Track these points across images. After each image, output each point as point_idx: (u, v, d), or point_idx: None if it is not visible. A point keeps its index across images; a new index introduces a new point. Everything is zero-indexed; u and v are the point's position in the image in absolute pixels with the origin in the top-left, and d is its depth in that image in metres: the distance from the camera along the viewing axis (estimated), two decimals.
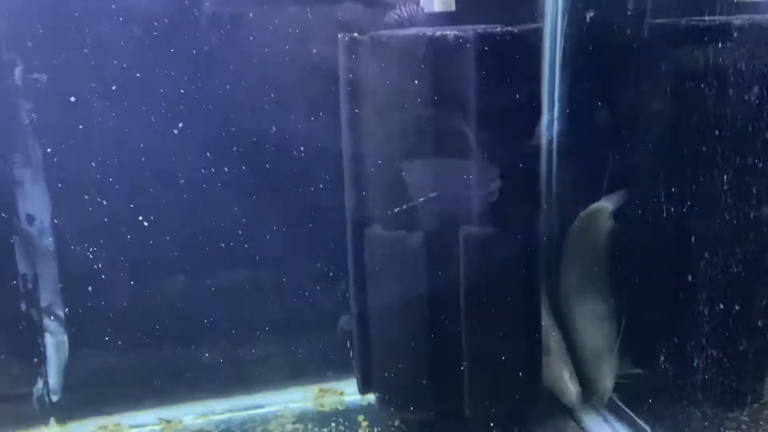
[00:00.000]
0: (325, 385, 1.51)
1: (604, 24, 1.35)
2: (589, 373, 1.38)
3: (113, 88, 1.29)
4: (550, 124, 1.40)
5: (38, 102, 1.29)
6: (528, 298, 1.28)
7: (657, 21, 1.26)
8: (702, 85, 1.13)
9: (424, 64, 1.13)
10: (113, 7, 1.27)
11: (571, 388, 1.36)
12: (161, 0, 1.30)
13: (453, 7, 1.21)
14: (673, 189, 1.15)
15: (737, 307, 1.06)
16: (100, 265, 1.37)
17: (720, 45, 1.12)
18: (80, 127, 1.30)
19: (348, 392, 1.49)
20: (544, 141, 1.37)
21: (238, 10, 1.34)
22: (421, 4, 1.21)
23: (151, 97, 1.30)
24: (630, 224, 1.34)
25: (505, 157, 1.17)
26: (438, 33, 1.12)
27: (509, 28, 1.14)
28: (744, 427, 1.13)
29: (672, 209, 1.17)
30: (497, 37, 1.12)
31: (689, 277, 1.13)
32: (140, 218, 1.35)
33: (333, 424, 1.40)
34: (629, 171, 1.33)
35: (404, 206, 1.18)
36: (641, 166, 1.26)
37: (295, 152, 1.39)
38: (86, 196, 1.33)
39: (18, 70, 1.28)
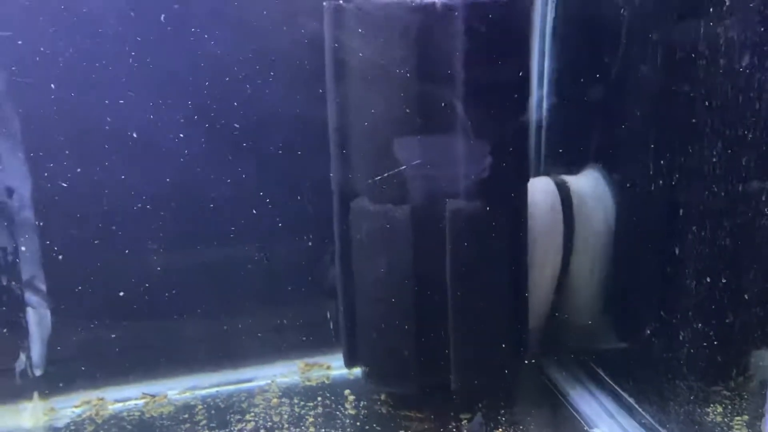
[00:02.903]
0: (311, 360, 1.50)
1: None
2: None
3: (93, 56, 1.26)
4: (539, 99, 1.38)
5: (15, 70, 1.26)
6: (514, 272, 1.28)
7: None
8: (692, 56, 1.11)
9: (411, 34, 1.11)
10: None
11: None
12: None
13: None
14: (662, 162, 1.14)
15: (723, 280, 1.06)
16: (82, 239, 1.35)
17: (710, 14, 1.11)
18: (60, 97, 1.27)
19: (334, 366, 1.49)
20: (533, 116, 1.35)
21: None
22: None
23: (131, 65, 1.27)
24: (619, 199, 1.33)
25: (494, 131, 1.16)
26: (426, 1, 1.10)
27: None
28: (727, 400, 1.14)
29: (661, 182, 1.16)
30: (487, 7, 1.10)
31: (675, 250, 1.12)
32: (122, 190, 1.33)
33: (319, 398, 1.39)
34: (619, 145, 1.32)
35: (388, 174, 1.17)
36: (631, 141, 1.25)
37: (279, 123, 1.37)
38: (66, 168, 1.30)
39: None
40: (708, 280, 1.07)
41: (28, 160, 1.30)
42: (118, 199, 1.34)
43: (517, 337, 1.31)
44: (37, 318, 1.38)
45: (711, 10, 1.10)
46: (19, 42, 1.25)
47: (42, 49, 1.26)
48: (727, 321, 1.08)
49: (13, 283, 1.35)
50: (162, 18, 1.29)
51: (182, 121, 1.33)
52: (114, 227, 1.35)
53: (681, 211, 1.10)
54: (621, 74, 1.27)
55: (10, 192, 1.32)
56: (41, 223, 1.34)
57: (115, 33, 1.27)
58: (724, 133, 1.00)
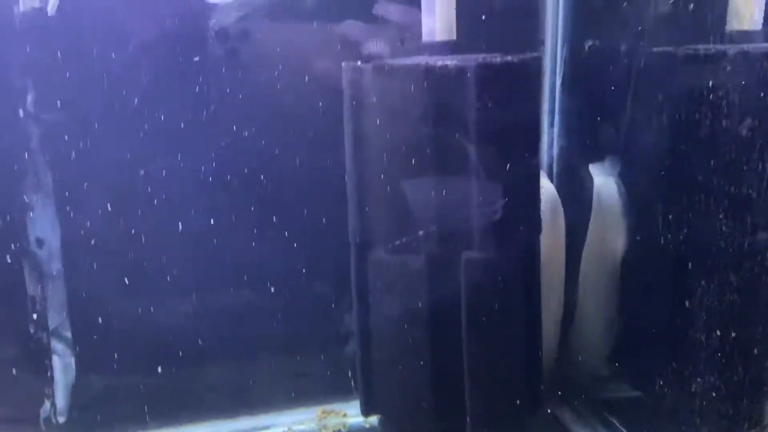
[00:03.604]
0: (329, 407, 1.52)
1: (602, 52, 1.38)
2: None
3: (122, 115, 1.32)
4: (549, 148, 1.42)
5: (49, 129, 1.33)
6: (530, 320, 1.30)
7: (654, 49, 1.28)
8: (695, 113, 1.15)
9: (426, 93, 1.15)
10: (123, 37, 1.30)
11: None
12: (166, 26, 1.33)
13: (454, 36, 1.24)
14: (670, 217, 1.17)
15: (733, 333, 1.08)
16: (106, 288, 1.39)
17: (713, 74, 1.15)
18: (90, 153, 1.33)
19: (351, 414, 1.50)
20: (544, 167, 1.39)
21: (243, 27, 1.37)
22: (423, 34, 1.23)
23: (158, 123, 1.33)
24: (628, 245, 1.36)
25: (507, 184, 1.19)
26: (440, 63, 1.15)
27: (509, 59, 1.17)
28: None
29: (668, 234, 1.19)
30: (497, 68, 1.15)
31: (687, 302, 1.15)
32: (146, 242, 1.38)
33: None
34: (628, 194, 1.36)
35: (404, 225, 1.21)
36: (638, 194, 1.29)
37: (299, 175, 1.41)
38: (94, 221, 1.36)
39: (30, 97, 1.31)
40: (718, 333, 1.09)
41: (59, 211, 1.36)
42: (142, 249, 1.38)
43: (533, 385, 1.32)
44: (62, 365, 1.42)
45: (714, 70, 1.15)
46: (52, 96, 1.32)
47: (73, 102, 1.32)
48: (738, 372, 1.09)
49: (40, 331, 1.39)
50: (187, 73, 1.35)
51: (206, 172, 1.39)
52: (137, 277, 1.39)
53: (690, 263, 1.12)
54: (628, 129, 1.32)
55: (40, 242, 1.37)
56: (68, 273, 1.38)
57: (144, 88, 1.33)
58: (729, 190, 1.03)
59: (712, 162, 1.08)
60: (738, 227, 1.03)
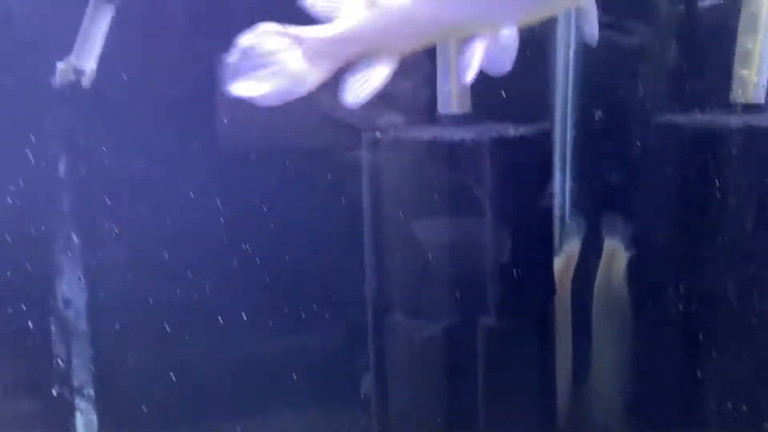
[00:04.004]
0: None
1: (611, 120, 1.43)
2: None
3: (150, 183, 1.38)
4: (561, 219, 1.47)
5: (79, 192, 1.38)
6: (544, 382, 1.33)
7: (661, 119, 1.33)
8: (702, 183, 1.20)
9: (442, 165, 1.21)
10: (154, 107, 1.37)
11: None
12: (191, 94, 1.39)
13: (469, 108, 1.30)
14: (679, 285, 1.21)
15: (746, 407, 1.10)
16: (128, 348, 1.43)
17: (719, 146, 1.20)
18: (117, 215, 1.38)
19: None
20: (557, 236, 1.43)
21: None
22: (438, 106, 1.29)
23: (184, 192, 1.39)
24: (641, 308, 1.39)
25: (522, 251, 1.24)
26: (456, 137, 1.20)
27: (522, 131, 1.22)
28: None
29: (678, 302, 1.23)
30: (511, 141, 1.20)
31: (699, 372, 1.17)
32: (169, 303, 1.42)
33: None
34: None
35: (421, 290, 1.25)
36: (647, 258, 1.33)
37: (316, 238, 1.46)
38: (119, 283, 1.40)
39: (62, 163, 1.37)
40: (731, 403, 1.11)
41: (86, 273, 1.41)
42: (165, 309, 1.42)
43: None
44: (84, 421, 1.45)
45: (719, 142, 1.20)
46: (83, 162, 1.38)
47: (102, 168, 1.38)
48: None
49: (65, 389, 1.42)
50: (211, 140, 1.41)
51: (227, 235, 1.43)
52: (160, 338, 1.43)
53: (700, 333, 1.15)
54: (638, 195, 1.37)
55: (67, 302, 1.41)
56: (93, 332, 1.43)
57: (174, 157, 1.39)
58: (738, 263, 1.07)
59: (719, 234, 1.12)
60: (749, 298, 1.06)
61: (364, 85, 0.68)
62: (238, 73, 0.66)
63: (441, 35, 0.72)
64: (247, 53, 0.66)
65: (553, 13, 0.74)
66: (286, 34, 0.66)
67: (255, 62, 0.66)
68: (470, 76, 0.73)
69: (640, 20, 1.44)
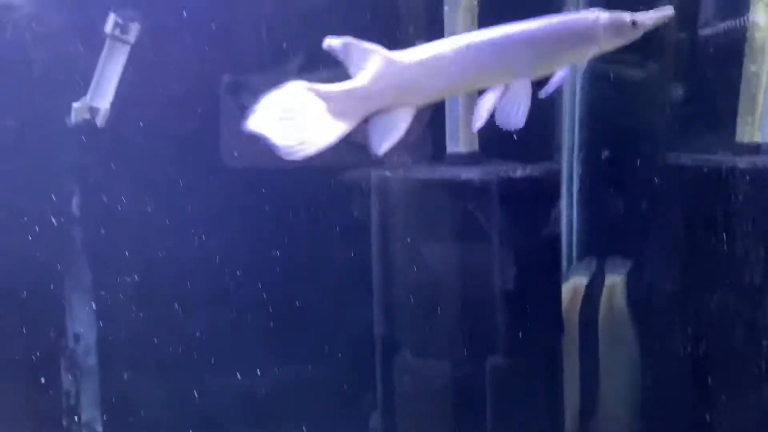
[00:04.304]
0: None
1: (617, 160, 1.45)
2: None
3: (160, 219, 1.39)
4: (568, 256, 1.47)
5: (91, 229, 1.40)
6: (553, 422, 1.33)
7: (667, 160, 1.35)
8: (707, 224, 1.21)
9: (451, 204, 1.22)
10: (164, 147, 1.39)
11: None
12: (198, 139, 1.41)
13: (477, 148, 1.31)
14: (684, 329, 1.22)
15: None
16: (137, 382, 1.44)
17: (726, 186, 1.21)
18: (129, 255, 1.40)
19: None
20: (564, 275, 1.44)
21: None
22: (447, 145, 1.30)
23: (193, 231, 1.40)
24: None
25: (530, 291, 1.25)
26: (464, 176, 1.22)
27: (529, 172, 1.24)
28: None
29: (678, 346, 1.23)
30: (519, 182, 1.22)
31: (708, 416, 1.17)
32: (178, 339, 1.42)
33: None
34: None
35: (430, 330, 1.25)
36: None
37: (326, 277, 1.46)
38: (129, 319, 1.41)
39: (75, 200, 1.40)
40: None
41: (97, 309, 1.42)
42: (174, 345, 1.43)
43: None
44: None
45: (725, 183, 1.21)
46: (96, 200, 1.40)
47: (115, 206, 1.40)
48: None
49: (73, 424, 1.43)
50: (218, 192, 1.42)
51: (239, 274, 1.44)
52: (167, 375, 1.44)
53: (707, 376, 1.15)
54: (641, 231, 1.38)
55: (77, 338, 1.42)
56: (102, 368, 1.43)
57: (184, 198, 1.41)
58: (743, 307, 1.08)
59: (723, 272, 1.13)
60: (754, 343, 1.07)
61: (386, 135, 0.72)
62: (264, 126, 0.69)
63: (457, 90, 0.76)
64: (273, 108, 0.69)
65: (561, 66, 0.76)
66: (311, 89, 0.69)
67: (281, 116, 0.69)
68: (478, 125, 0.76)
69: (647, 58, 1.46)
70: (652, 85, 1.46)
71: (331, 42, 0.71)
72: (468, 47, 0.73)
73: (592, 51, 0.75)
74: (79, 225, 1.40)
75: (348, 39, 0.71)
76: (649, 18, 0.74)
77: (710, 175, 1.24)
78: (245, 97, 1.39)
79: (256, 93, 0.69)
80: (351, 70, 0.72)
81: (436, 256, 1.24)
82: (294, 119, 0.69)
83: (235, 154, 1.40)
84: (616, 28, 0.73)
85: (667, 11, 0.75)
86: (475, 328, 1.23)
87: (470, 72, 0.73)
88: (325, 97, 0.70)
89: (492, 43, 0.73)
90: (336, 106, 0.70)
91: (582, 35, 0.74)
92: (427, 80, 0.72)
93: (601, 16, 0.74)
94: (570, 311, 1.46)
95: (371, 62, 0.71)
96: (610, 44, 0.74)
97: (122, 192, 1.39)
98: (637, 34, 0.75)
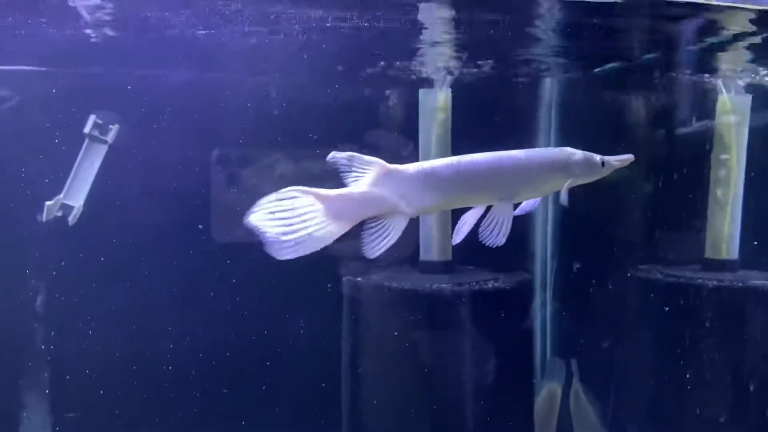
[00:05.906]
0: None
1: (589, 271, 1.46)
2: None
3: (129, 314, 1.37)
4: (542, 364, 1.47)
5: (53, 327, 1.37)
6: None
7: (638, 273, 1.36)
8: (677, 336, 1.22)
9: (422, 314, 1.21)
10: (137, 242, 1.38)
11: None
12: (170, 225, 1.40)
13: (450, 257, 1.32)
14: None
15: None
16: None
17: (695, 302, 1.23)
18: (91, 354, 1.36)
19: None
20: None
21: None
22: (421, 255, 1.31)
23: (163, 318, 1.38)
24: None
25: (500, 402, 1.22)
26: (435, 287, 1.22)
27: (501, 284, 1.24)
28: None
29: None
30: (490, 293, 1.22)
31: None
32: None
33: None
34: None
35: None
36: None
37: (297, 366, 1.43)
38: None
39: (40, 299, 1.37)
40: None
41: (52, 411, 1.36)
42: None
43: None
44: None
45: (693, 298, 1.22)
46: (60, 296, 1.37)
47: (79, 303, 1.37)
48: None
49: None
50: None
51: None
52: None
53: None
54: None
55: None
56: None
57: (155, 290, 1.39)
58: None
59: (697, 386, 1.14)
60: None
61: (379, 241, 0.76)
62: (261, 227, 0.72)
63: (448, 204, 0.83)
64: (271, 209, 0.73)
65: (544, 194, 0.86)
66: (308, 193, 0.74)
67: (279, 217, 0.73)
68: (458, 240, 0.82)
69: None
70: (622, 199, 1.49)
71: (336, 155, 0.76)
72: (462, 167, 0.80)
73: (568, 182, 0.82)
74: (42, 323, 1.36)
75: (352, 153, 0.77)
76: (615, 160, 0.84)
77: (677, 288, 1.26)
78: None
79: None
80: (349, 180, 0.77)
81: (406, 364, 1.22)
82: (291, 219, 0.73)
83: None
84: (589, 164, 0.83)
85: (630, 157, 0.85)
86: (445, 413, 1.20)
87: (461, 189, 0.80)
88: (321, 199, 0.74)
89: (484, 166, 0.80)
90: (332, 209, 0.74)
91: (560, 166, 0.82)
92: (422, 192, 0.78)
93: (576, 152, 0.83)
94: (545, 420, 1.44)
95: (371, 171, 0.76)
96: (582, 178, 0.83)
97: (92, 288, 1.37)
98: (605, 172, 0.84)
